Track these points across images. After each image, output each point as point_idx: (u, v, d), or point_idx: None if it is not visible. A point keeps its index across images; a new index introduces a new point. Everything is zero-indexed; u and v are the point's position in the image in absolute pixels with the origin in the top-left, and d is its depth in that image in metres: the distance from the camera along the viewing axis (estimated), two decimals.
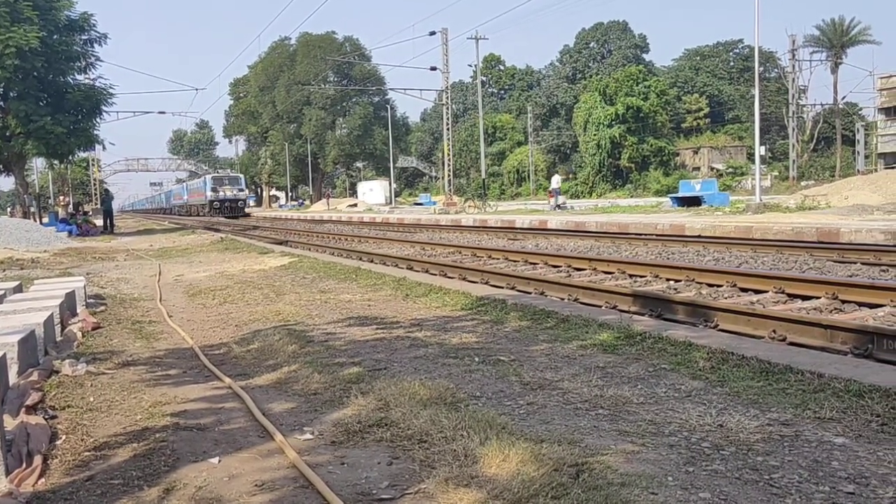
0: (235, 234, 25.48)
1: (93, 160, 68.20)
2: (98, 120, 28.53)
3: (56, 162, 42.31)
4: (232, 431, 3.47)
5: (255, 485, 2.81)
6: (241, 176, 58.06)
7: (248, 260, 13.57)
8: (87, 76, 28.29)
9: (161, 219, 65.31)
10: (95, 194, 64.79)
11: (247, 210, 56.00)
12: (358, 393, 3.86)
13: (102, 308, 7.83)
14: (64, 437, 3.45)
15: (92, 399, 4.09)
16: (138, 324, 6.79)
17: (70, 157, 34.79)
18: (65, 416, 3.79)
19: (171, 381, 4.52)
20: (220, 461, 3.06)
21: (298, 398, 3.98)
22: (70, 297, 6.94)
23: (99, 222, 32.02)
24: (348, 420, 3.46)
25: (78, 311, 7.09)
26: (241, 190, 53.49)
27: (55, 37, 25.58)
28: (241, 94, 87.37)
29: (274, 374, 4.55)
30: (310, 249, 16.89)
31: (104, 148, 36.65)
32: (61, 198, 46.64)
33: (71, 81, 27.88)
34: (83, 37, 27.37)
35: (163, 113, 57.91)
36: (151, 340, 5.96)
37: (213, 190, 51.20)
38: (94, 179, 70.08)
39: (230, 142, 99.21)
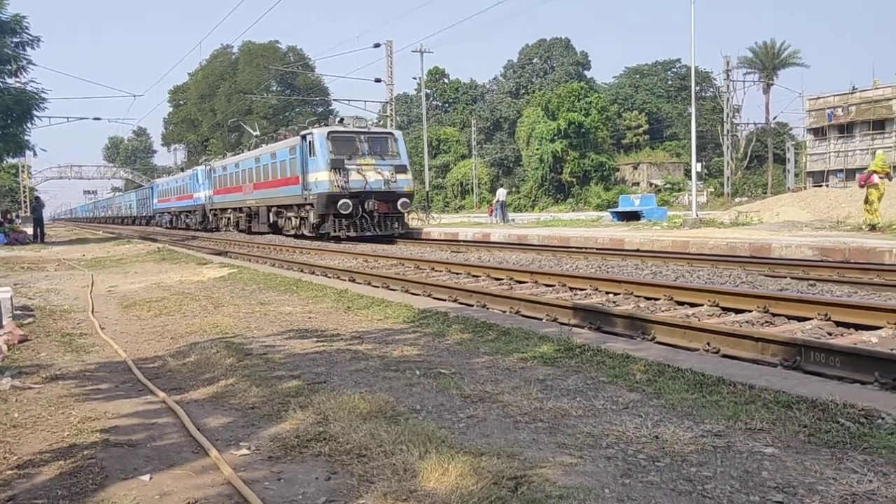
0: (173, 244, 24.92)
1: (23, 167, 65.84)
2: (29, 125, 27.58)
3: None
4: (165, 447, 3.37)
5: (188, 502, 2.73)
6: (398, 133, 25.66)
7: (185, 271, 13.26)
8: (17, 80, 27.33)
9: (113, 228, 54.33)
10: (25, 202, 62.45)
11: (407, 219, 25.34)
12: (297, 407, 3.80)
13: (30, 320, 7.53)
14: None
15: (17, 415, 3.93)
16: (68, 336, 6.56)
17: None
18: None
19: (101, 395, 4.37)
20: (151, 478, 2.97)
21: (235, 412, 3.90)
22: None
23: (28, 230, 30.88)
24: (286, 434, 3.40)
25: (3, 322, 6.80)
26: (404, 168, 23.99)
27: None
28: (181, 102, 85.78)
29: (210, 387, 4.45)
30: (250, 260, 16.63)
31: (35, 154, 34.80)
32: None
33: (0, 85, 26.90)
34: (14, 39, 26.42)
35: (98, 119, 55.38)
36: (82, 353, 5.76)
37: (335, 168, 22.56)
38: (24, 186, 67.63)
39: (169, 150, 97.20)
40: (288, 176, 25.48)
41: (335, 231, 22.54)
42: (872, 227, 15.73)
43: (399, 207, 23.07)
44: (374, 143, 23.90)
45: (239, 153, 34.82)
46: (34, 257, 19.13)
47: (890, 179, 17.53)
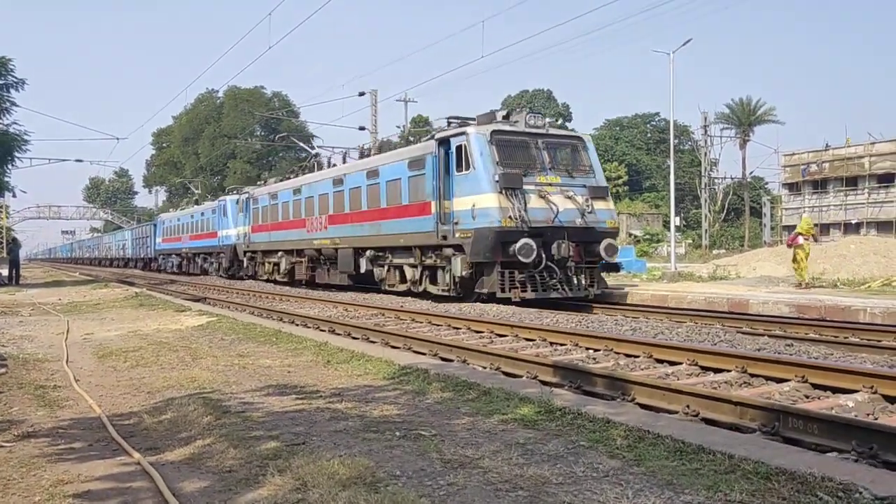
0: (151, 288, 24.70)
1: (1, 207, 65.18)
2: (9, 167, 27.52)
3: None
4: None
5: None
6: (587, 138, 16.94)
7: (163, 318, 13.14)
8: (0, 122, 27.33)
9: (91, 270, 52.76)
10: (2, 243, 61.52)
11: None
12: (275, 471, 3.75)
13: (3, 370, 7.41)
14: None
15: None
16: (42, 389, 6.44)
17: None
18: None
19: (75, 455, 4.29)
20: None
21: (212, 476, 3.83)
22: None
23: (3, 272, 30.48)
24: (263, 502, 3.35)
25: None
26: (604, 192, 15.95)
27: None
28: (164, 145, 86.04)
29: (187, 448, 4.38)
30: (229, 308, 16.51)
31: (14, 195, 34.53)
32: None
33: None
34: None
35: (80, 161, 54.23)
36: (55, 408, 5.65)
37: (509, 189, 14.46)
38: (2, 227, 66.83)
39: (150, 192, 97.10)
40: (405, 202, 17.28)
41: (504, 291, 14.38)
42: (800, 283, 16.68)
43: (602, 253, 15.07)
44: (556, 152, 15.90)
45: (289, 177, 27.50)
46: (8, 300, 18.87)
47: (816, 241, 19.00)
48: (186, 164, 77.29)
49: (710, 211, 57.60)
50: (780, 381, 6.49)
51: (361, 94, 39.94)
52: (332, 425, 4.81)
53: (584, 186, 15.54)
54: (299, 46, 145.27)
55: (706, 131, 53.23)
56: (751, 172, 65.94)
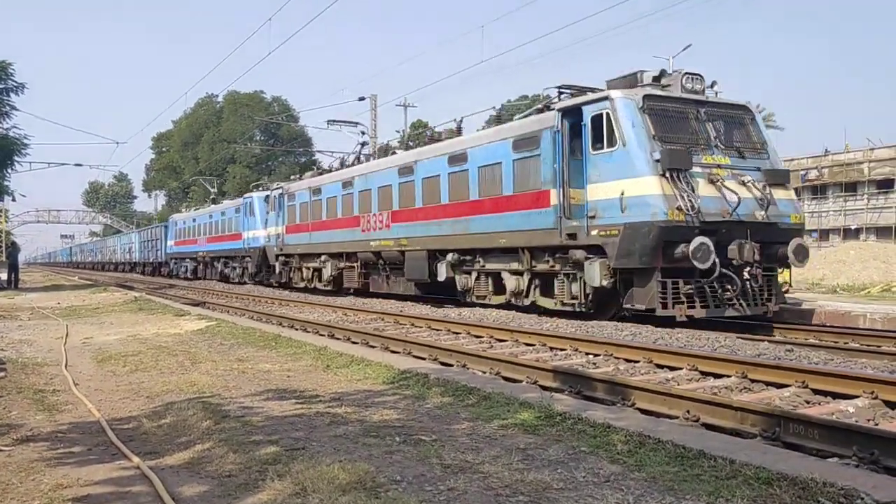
0: (150, 292, 24.69)
1: (0, 211, 65.17)
2: (9, 171, 27.50)
3: None
4: None
5: None
6: (753, 106, 13.10)
7: (162, 322, 13.13)
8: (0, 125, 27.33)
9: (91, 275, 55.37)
10: (1, 247, 61.45)
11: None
12: (274, 476, 3.74)
13: (2, 374, 7.40)
14: None
15: None
16: (41, 393, 6.43)
17: None
18: None
19: (74, 459, 4.28)
20: None
21: (212, 480, 3.82)
22: None
23: (2, 276, 30.48)
24: None
25: None
26: (783, 177, 12.53)
27: None
28: (164, 149, 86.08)
29: (186, 452, 4.37)
30: (228, 312, 16.50)
31: (13, 199, 34.30)
32: None
33: None
34: None
35: (80, 165, 53.53)
36: (55, 412, 5.64)
37: (675, 171, 10.87)
38: (1, 231, 66.81)
39: (149, 196, 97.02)
40: (509, 192, 13.91)
41: (666, 307, 11.04)
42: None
43: (792, 257, 11.62)
44: (721, 125, 12.45)
45: (324, 172, 24.19)
46: (7, 304, 18.86)
47: None
48: (186, 169, 77.30)
49: None
50: (780, 386, 6.48)
51: (361, 98, 39.88)
52: (332, 430, 4.79)
53: (759, 170, 12.08)
54: (299, 51, 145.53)
55: None
56: None
